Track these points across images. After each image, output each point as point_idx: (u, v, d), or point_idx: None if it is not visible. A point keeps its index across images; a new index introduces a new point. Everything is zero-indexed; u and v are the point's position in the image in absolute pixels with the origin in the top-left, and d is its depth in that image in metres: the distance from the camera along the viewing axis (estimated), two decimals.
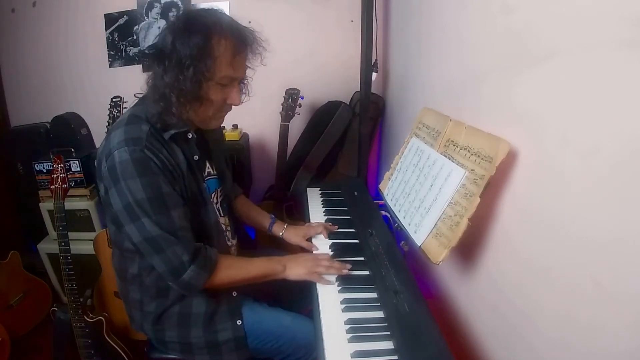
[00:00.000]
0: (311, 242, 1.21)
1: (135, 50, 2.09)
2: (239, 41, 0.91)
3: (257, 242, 1.91)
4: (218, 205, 1.13)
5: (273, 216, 1.32)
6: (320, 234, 1.24)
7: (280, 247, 1.79)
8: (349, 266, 1.04)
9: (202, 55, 0.86)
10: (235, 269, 1.01)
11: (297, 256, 1.08)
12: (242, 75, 0.97)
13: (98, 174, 0.94)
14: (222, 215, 1.14)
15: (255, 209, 1.35)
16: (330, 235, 1.24)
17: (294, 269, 1.03)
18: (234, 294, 1.07)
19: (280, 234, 1.29)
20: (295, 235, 1.26)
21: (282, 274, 1.03)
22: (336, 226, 1.27)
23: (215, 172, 1.13)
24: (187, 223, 0.93)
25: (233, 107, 1.00)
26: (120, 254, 1.03)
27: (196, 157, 1.01)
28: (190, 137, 0.99)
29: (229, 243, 1.15)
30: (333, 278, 1.02)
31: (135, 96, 1.01)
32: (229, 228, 1.17)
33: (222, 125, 1.12)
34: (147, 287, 1.02)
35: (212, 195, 1.10)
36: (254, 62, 0.97)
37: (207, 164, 1.10)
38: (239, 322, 1.03)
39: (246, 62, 0.96)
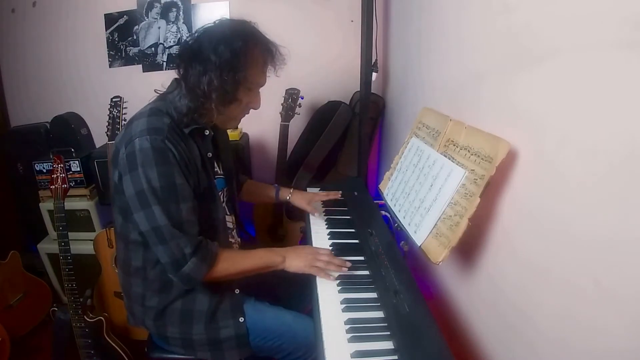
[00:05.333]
0: (313, 208, 1.32)
1: (135, 50, 2.10)
2: (269, 52, 1.00)
3: (257, 241, 1.92)
4: (224, 204, 1.15)
5: (276, 185, 1.41)
6: (322, 200, 1.35)
7: (280, 246, 1.79)
8: (348, 264, 1.04)
9: (242, 61, 0.94)
10: (235, 262, 1.01)
11: (297, 248, 1.08)
12: (265, 82, 1.05)
13: (114, 161, 0.97)
14: (228, 213, 1.17)
15: (260, 185, 1.44)
16: (331, 235, 1.24)
17: (294, 261, 1.04)
18: (237, 291, 1.08)
19: (288, 197, 1.37)
20: (301, 199, 1.35)
21: (282, 265, 1.04)
22: (339, 192, 1.36)
23: (222, 172, 1.16)
24: (194, 217, 0.95)
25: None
26: (125, 246, 1.04)
27: (209, 154, 1.06)
28: (207, 134, 1.05)
29: (232, 240, 1.18)
30: (333, 274, 1.02)
31: (155, 92, 1.06)
32: (233, 226, 1.20)
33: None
34: (150, 281, 1.02)
35: (219, 193, 1.11)
36: (269, 73, 1.05)
37: (215, 163, 1.13)
38: (241, 320, 1.04)
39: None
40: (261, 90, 1.05)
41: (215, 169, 1.12)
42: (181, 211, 0.92)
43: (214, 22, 0.99)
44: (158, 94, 1.05)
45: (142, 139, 0.90)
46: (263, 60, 1.00)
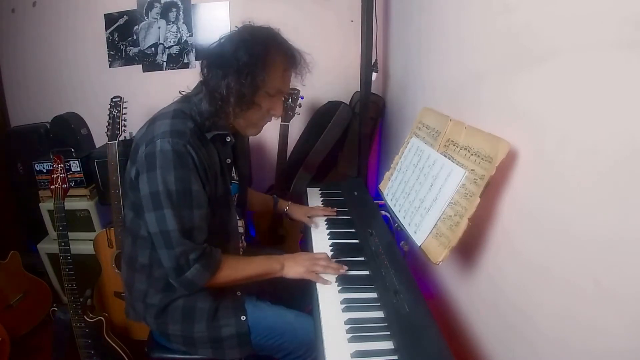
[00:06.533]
0: (312, 220, 1.31)
1: (136, 50, 2.10)
2: (291, 58, 1.00)
3: (261, 244, 1.92)
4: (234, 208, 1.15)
5: (275, 196, 1.43)
6: (320, 216, 1.34)
7: (281, 247, 1.80)
8: (345, 267, 1.04)
9: (261, 65, 0.94)
10: (236, 269, 1.02)
11: (295, 255, 1.09)
12: (287, 90, 1.06)
13: (132, 157, 0.97)
14: (238, 218, 1.17)
15: (259, 194, 1.45)
16: (331, 235, 1.24)
17: (292, 268, 1.04)
18: (238, 293, 1.08)
19: (285, 209, 1.39)
20: (297, 212, 1.37)
21: (280, 273, 1.05)
22: (335, 209, 1.36)
23: (236, 178, 1.16)
24: (205, 225, 0.95)
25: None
26: (133, 241, 1.04)
27: (229, 161, 1.06)
28: (228, 140, 1.04)
29: (241, 244, 1.18)
30: (332, 278, 1.02)
31: (180, 92, 1.06)
32: (243, 231, 1.21)
33: None
34: (155, 279, 1.03)
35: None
36: (295, 81, 1.05)
37: (232, 169, 1.13)
38: (242, 318, 1.05)
39: (291, 80, 1.03)
40: None
41: (232, 174, 1.12)
42: (193, 217, 0.92)
43: (237, 27, 1.00)
44: (182, 95, 1.05)
45: (163, 141, 0.90)
46: (284, 66, 0.99)
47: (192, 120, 0.96)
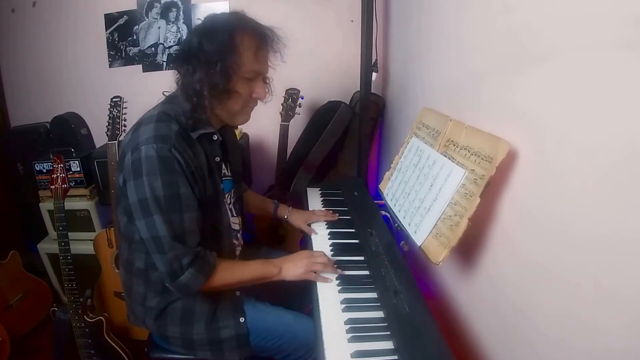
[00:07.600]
0: (311, 228, 1.29)
1: (136, 50, 2.10)
2: (260, 37, 0.96)
3: (258, 241, 1.92)
4: (230, 205, 1.15)
5: (276, 201, 1.40)
6: (321, 221, 1.32)
7: (281, 247, 1.79)
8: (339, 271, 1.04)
9: (228, 51, 0.91)
10: (232, 273, 1.01)
11: (292, 256, 1.08)
12: (266, 70, 1.02)
13: (120, 165, 0.97)
14: (234, 215, 1.16)
15: (259, 198, 1.44)
16: (331, 235, 1.24)
17: (291, 270, 1.04)
18: (237, 293, 1.08)
19: (286, 216, 1.36)
20: (298, 219, 1.34)
21: (278, 276, 1.04)
22: (337, 215, 1.33)
23: (230, 174, 1.15)
24: (196, 228, 0.94)
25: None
26: (129, 246, 1.04)
27: (217, 159, 1.05)
28: (215, 138, 1.03)
29: (236, 242, 1.18)
30: (332, 277, 1.02)
31: (163, 94, 1.04)
32: (239, 228, 1.20)
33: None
34: (153, 283, 1.02)
35: (226, 195, 1.11)
36: (274, 61, 1.02)
37: (224, 166, 1.12)
38: (241, 320, 1.04)
39: (268, 59, 1.00)
40: None
41: (224, 171, 1.12)
42: (184, 221, 0.91)
43: (202, 20, 0.98)
44: (165, 96, 1.04)
45: (148, 147, 0.89)
46: (256, 45, 0.95)
47: (176, 122, 0.95)
